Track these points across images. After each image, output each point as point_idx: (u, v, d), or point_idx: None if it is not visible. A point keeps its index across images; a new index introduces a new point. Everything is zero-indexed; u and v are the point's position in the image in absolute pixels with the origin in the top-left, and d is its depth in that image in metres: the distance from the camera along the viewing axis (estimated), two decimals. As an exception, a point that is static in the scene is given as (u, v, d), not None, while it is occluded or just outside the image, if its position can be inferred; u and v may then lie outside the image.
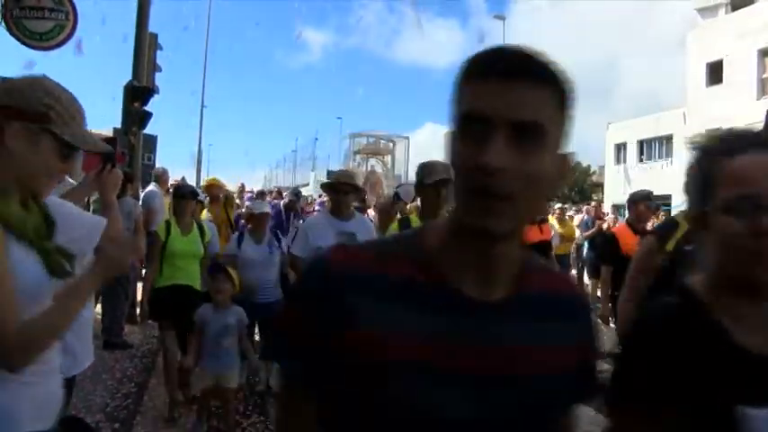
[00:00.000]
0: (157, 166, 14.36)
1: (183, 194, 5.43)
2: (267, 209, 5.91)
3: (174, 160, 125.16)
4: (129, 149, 9.81)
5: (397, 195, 6.49)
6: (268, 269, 5.55)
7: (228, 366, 4.55)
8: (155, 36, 10.55)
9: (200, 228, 5.35)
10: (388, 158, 35.74)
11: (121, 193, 7.27)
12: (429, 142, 33.33)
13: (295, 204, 10.31)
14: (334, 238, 4.32)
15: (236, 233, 5.98)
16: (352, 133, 35.85)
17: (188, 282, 5.14)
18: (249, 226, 5.75)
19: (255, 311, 5.05)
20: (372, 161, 35.51)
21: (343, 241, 3.87)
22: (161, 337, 5.37)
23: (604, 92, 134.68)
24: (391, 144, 35.84)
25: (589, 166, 52.02)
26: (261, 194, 12.20)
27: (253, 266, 5.37)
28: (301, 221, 7.88)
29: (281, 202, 10.61)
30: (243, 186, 13.58)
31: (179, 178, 13.18)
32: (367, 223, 5.21)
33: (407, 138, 37.79)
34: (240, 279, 4.91)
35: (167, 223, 5.26)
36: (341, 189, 4.75)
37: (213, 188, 7.76)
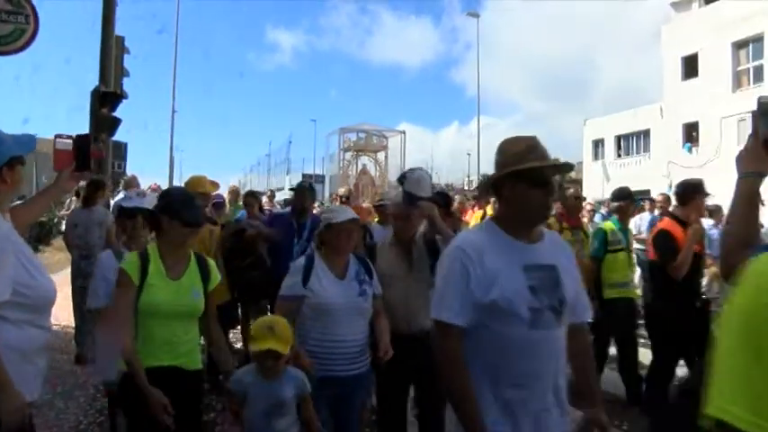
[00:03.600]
0: (127, 173, 14.22)
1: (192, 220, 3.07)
2: (352, 214, 3.55)
3: (145, 167, 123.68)
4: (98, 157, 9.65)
5: (410, 195, 3.89)
6: (358, 321, 3.47)
7: None
8: (121, 39, 10.37)
9: (202, 264, 3.18)
10: (381, 156, 34.15)
11: (92, 201, 7.24)
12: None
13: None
14: (522, 277, 2.20)
15: (302, 259, 3.59)
16: (342, 128, 34.08)
17: (178, 361, 3.03)
18: (322, 248, 3.56)
19: (335, 389, 3.35)
20: (364, 159, 33.93)
21: (537, 285, 2.18)
22: None
23: (581, 88, 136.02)
24: (384, 140, 34.38)
25: (567, 161, 52.22)
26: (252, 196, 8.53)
27: (336, 316, 3.38)
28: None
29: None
30: (236, 189, 10.76)
31: (153, 185, 12.92)
32: (566, 245, 2.58)
33: (403, 132, 36.08)
34: (294, 341, 3.13)
35: (143, 256, 3.00)
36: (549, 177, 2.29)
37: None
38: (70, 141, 2.82)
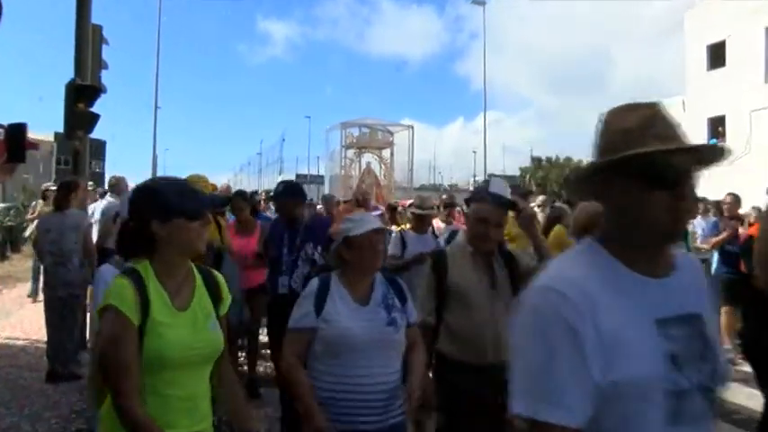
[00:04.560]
0: (110, 173, 13.98)
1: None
2: (377, 223, 3.11)
3: (126, 167, 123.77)
4: (74, 155, 9.50)
5: (502, 198, 3.52)
6: (388, 358, 2.90)
7: None
8: (99, 28, 10.18)
9: (209, 280, 2.42)
10: (386, 153, 33.71)
11: (65, 204, 7.09)
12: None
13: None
14: (656, 338, 1.37)
15: (315, 282, 3.06)
16: (344, 122, 33.60)
17: (200, 425, 2.27)
18: (341, 268, 3.07)
19: None
20: (368, 156, 33.50)
21: (680, 351, 1.35)
22: None
23: (595, 82, 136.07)
24: (390, 135, 33.96)
25: (581, 161, 52.32)
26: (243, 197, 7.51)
27: (357, 352, 2.82)
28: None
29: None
30: (228, 188, 10.74)
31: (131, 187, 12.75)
32: (701, 272, 1.70)
33: (410, 126, 35.47)
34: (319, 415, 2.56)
35: (137, 282, 2.17)
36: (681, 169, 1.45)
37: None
38: (1, 131, 2.63)
